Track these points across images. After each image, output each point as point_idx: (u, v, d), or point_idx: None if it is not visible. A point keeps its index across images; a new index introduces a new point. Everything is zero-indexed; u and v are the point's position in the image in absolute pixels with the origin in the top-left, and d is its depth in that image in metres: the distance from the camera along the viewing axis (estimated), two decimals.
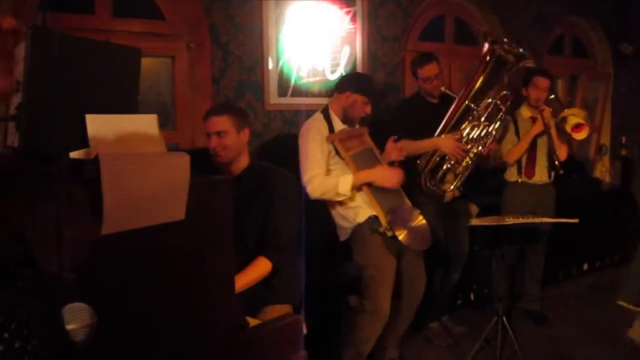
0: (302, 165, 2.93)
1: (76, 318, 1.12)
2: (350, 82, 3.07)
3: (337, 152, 2.94)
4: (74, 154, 1.31)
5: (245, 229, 2.42)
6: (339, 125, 3.02)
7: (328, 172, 2.96)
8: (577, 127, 3.72)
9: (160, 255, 1.35)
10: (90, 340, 1.13)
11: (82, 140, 1.27)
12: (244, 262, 2.36)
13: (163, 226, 1.32)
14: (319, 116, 3.04)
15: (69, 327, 1.12)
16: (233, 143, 2.44)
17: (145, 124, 1.31)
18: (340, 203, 3.00)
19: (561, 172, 3.79)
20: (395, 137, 3.15)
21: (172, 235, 1.36)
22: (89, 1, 3.09)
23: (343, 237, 3.08)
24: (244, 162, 2.52)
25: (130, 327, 1.34)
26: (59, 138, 1.26)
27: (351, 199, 2.97)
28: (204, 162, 2.46)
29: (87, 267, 1.31)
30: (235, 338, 1.59)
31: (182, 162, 1.29)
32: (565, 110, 3.83)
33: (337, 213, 3.05)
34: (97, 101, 1.30)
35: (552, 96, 3.85)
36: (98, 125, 1.25)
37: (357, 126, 3.14)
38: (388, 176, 2.94)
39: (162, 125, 3.42)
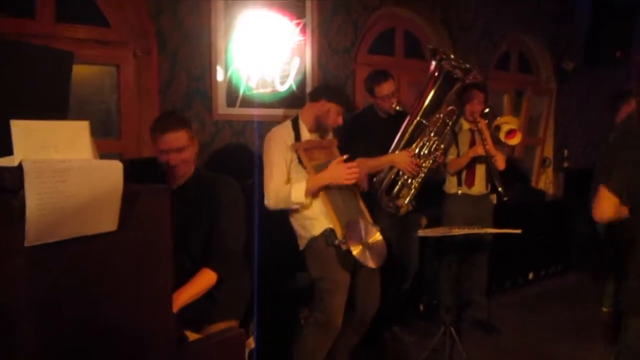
0: (264, 175, 2.90)
1: None
2: (325, 91, 3.06)
3: (300, 162, 2.88)
4: None
5: (190, 239, 2.37)
6: (306, 135, 2.98)
7: (288, 181, 2.90)
8: (510, 133, 3.86)
9: (91, 267, 1.30)
10: None
11: (7, 147, 1.20)
12: (190, 273, 2.30)
13: (94, 237, 1.27)
14: (287, 124, 3.00)
15: None
16: (191, 156, 2.42)
17: (76, 130, 1.25)
18: (299, 212, 2.95)
19: (505, 199, 3.75)
20: (346, 156, 3.02)
21: (104, 247, 1.30)
22: (29, 5, 2.97)
23: (301, 246, 3.04)
24: (189, 171, 2.47)
25: (60, 344, 1.27)
26: None
27: (309, 209, 2.92)
28: (148, 172, 2.41)
29: (11, 280, 1.24)
30: (173, 353, 1.54)
31: (114, 170, 1.24)
32: (498, 118, 3.95)
33: (296, 222, 3.01)
34: (23, 106, 1.24)
35: (487, 110, 3.95)
36: (24, 131, 1.19)
37: (330, 136, 3.12)
38: (342, 173, 2.81)
39: (106, 134, 3.37)
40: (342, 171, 2.81)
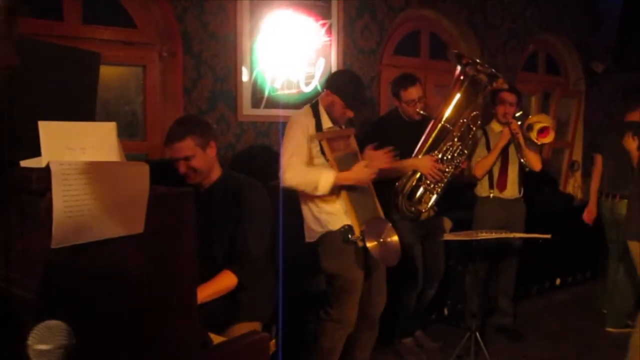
0: (284, 152, 2.79)
1: (50, 338, 1.01)
2: (333, 81, 2.95)
3: (323, 152, 2.82)
4: (25, 163, 1.24)
5: (214, 242, 2.35)
6: (327, 123, 2.89)
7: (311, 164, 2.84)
8: (542, 131, 3.75)
9: (116, 270, 1.29)
10: None
11: (35, 148, 1.20)
12: (213, 276, 2.29)
13: (120, 240, 1.26)
14: (307, 111, 2.91)
15: (39, 347, 1.01)
16: (202, 163, 2.35)
17: (103, 132, 1.24)
18: (316, 205, 2.90)
19: (521, 190, 3.87)
20: (375, 144, 3.00)
21: (130, 249, 1.29)
22: (57, 7, 3.00)
23: (310, 239, 3.00)
24: (215, 174, 2.45)
25: (84, 346, 1.26)
26: (10, 145, 1.19)
27: (328, 203, 2.88)
28: (173, 173, 2.40)
29: (37, 282, 1.24)
30: (197, 356, 1.52)
31: (141, 172, 1.23)
32: (530, 117, 3.86)
33: (310, 214, 2.94)
34: (51, 107, 1.23)
35: (521, 112, 3.88)
36: (51, 132, 1.18)
37: (343, 127, 3.02)
38: (365, 175, 2.82)
39: (132, 135, 3.39)
40: (365, 175, 2.81)
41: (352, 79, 2.99)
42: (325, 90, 2.94)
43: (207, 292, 2.19)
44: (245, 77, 3.53)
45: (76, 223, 1.15)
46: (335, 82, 2.92)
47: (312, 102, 2.97)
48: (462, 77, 3.36)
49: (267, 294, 2.50)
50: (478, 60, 3.39)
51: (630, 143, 3.96)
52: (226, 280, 2.27)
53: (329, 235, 2.91)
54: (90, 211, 1.16)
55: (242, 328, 2.27)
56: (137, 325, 1.36)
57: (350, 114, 2.92)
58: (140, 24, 3.29)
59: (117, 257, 1.28)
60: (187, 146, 2.31)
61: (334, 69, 3.89)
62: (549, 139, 3.78)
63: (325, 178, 2.75)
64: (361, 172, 2.82)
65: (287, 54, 3.69)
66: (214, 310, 2.19)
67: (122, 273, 1.31)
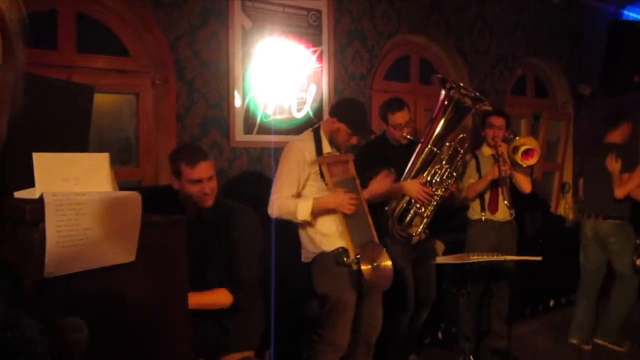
0: (275, 182, 2.94)
1: None
2: (339, 109, 3.05)
3: (322, 177, 2.90)
4: (19, 194, 1.26)
5: (207, 267, 2.37)
6: (327, 147, 2.99)
7: (299, 194, 2.93)
8: (527, 153, 3.81)
9: (108, 297, 1.30)
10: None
11: (29, 179, 1.22)
12: None
13: (112, 268, 1.27)
14: (308, 136, 3.02)
15: None
16: (216, 184, 2.46)
17: (96, 162, 1.27)
18: (312, 226, 2.97)
19: (512, 212, 3.91)
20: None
21: (122, 277, 1.31)
22: (51, 36, 3.04)
23: (305, 259, 3.06)
24: None
25: None
26: (4, 177, 1.21)
27: (323, 225, 2.95)
28: (166, 200, 2.42)
29: (30, 310, 1.25)
30: None
31: (133, 202, 1.25)
32: (516, 139, 3.91)
33: (306, 234, 3.02)
34: (45, 139, 1.25)
35: (512, 136, 3.94)
36: (45, 164, 1.21)
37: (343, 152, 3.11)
38: (345, 202, 2.85)
39: (125, 162, 3.41)
40: (345, 200, 2.86)
41: (356, 106, 3.11)
42: (330, 118, 3.04)
43: (197, 300, 2.14)
44: (237, 103, 3.57)
45: (69, 253, 1.16)
46: (340, 110, 3.03)
47: (314, 127, 3.07)
48: (446, 101, 3.43)
49: (257, 321, 2.51)
50: (462, 84, 3.46)
51: (613, 165, 4.02)
52: (221, 296, 2.28)
53: (322, 256, 2.96)
54: (82, 241, 1.17)
55: (235, 357, 2.28)
56: (130, 353, 1.36)
57: (354, 140, 3.03)
58: (133, 52, 3.34)
59: (108, 285, 1.29)
60: (211, 166, 2.43)
61: (325, 94, 3.94)
62: (533, 160, 3.83)
63: (302, 206, 2.85)
64: (339, 196, 2.86)
65: (279, 81, 3.74)
66: (205, 339, 2.19)
67: (114, 300, 1.32)
